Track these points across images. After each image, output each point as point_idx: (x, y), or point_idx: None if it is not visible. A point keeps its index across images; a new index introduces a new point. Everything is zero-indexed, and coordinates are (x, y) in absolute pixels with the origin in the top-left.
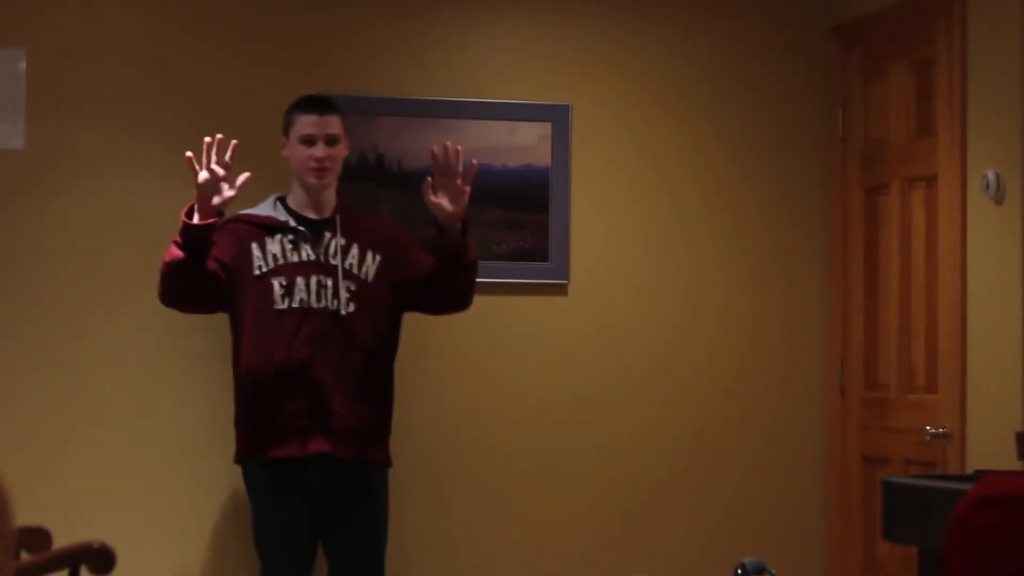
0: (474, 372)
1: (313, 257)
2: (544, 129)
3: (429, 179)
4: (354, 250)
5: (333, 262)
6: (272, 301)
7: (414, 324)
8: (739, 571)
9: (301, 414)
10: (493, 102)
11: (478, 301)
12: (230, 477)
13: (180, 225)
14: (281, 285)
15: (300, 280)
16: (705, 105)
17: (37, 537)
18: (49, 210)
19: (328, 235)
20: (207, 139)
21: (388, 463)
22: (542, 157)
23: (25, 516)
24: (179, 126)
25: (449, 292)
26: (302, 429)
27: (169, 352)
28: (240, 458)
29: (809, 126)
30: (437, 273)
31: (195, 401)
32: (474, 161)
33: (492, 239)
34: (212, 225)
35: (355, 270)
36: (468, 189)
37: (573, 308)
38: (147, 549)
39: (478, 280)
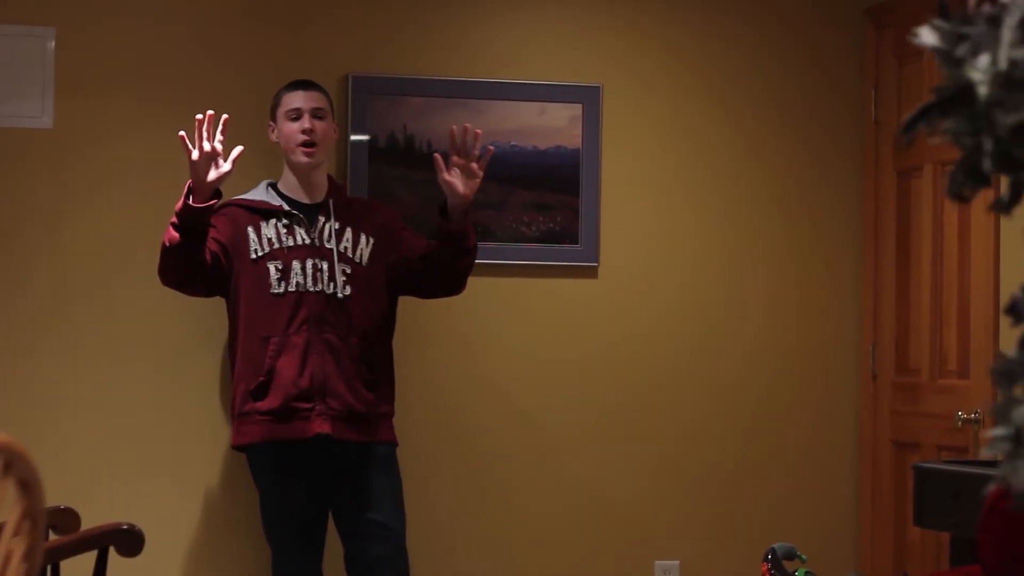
0: (504, 355)
1: (308, 241)
2: (575, 110)
3: (437, 155)
4: (348, 233)
5: (328, 245)
6: (268, 285)
7: (443, 307)
8: (769, 556)
9: (300, 397)
10: (523, 83)
11: (508, 283)
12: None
13: (178, 206)
14: (277, 269)
15: (296, 264)
16: (737, 87)
17: (66, 518)
18: (77, 189)
19: (322, 219)
20: (198, 116)
21: (393, 442)
22: (572, 138)
23: (50, 498)
24: (208, 106)
25: (446, 275)
26: (302, 412)
27: (196, 334)
28: (238, 443)
29: (842, 108)
30: (436, 255)
31: (219, 384)
32: (491, 147)
33: (522, 221)
34: (210, 207)
35: (350, 253)
36: (481, 173)
37: (603, 291)
38: (161, 533)
39: (509, 262)
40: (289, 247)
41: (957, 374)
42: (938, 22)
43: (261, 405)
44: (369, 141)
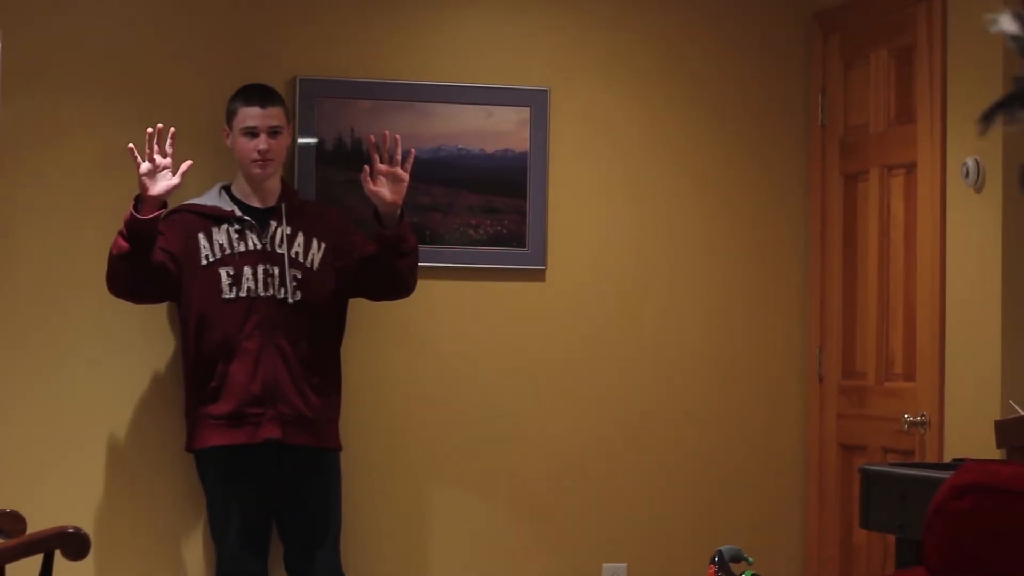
0: (450, 358)
1: (259, 246)
2: (522, 114)
3: (367, 167)
4: (300, 238)
5: (279, 251)
6: (220, 291)
7: (391, 309)
8: (716, 559)
9: (251, 402)
10: (471, 86)
11: (456, 287)
12: (191, 463)
13: (126, 217)
14: (228, 275)
15: (247, 269)
16: (684, 91)
17: (10, 522)
18: (23, 190)
19: (274, 224)
20: (148, 129)
21: (338, 447)
22: (520, 142)
23: None
24: (154, 109)
25: (390, 278)
26: (252, 416)
27: (146, 335)
28: (190, 446)
29: (789, 112)
30: (377, 259)
31: (159, 386)
32: (412, 149)
33: (469, 224)
34: (157, 218)
35: (301, 258)
36: (407, 178)
37: (550, 294)
38: (109, 535)
39: (456, 265)
40: (240, 253)
41: (903, 377)
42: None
43: (213, 409)
44: (316, 144)
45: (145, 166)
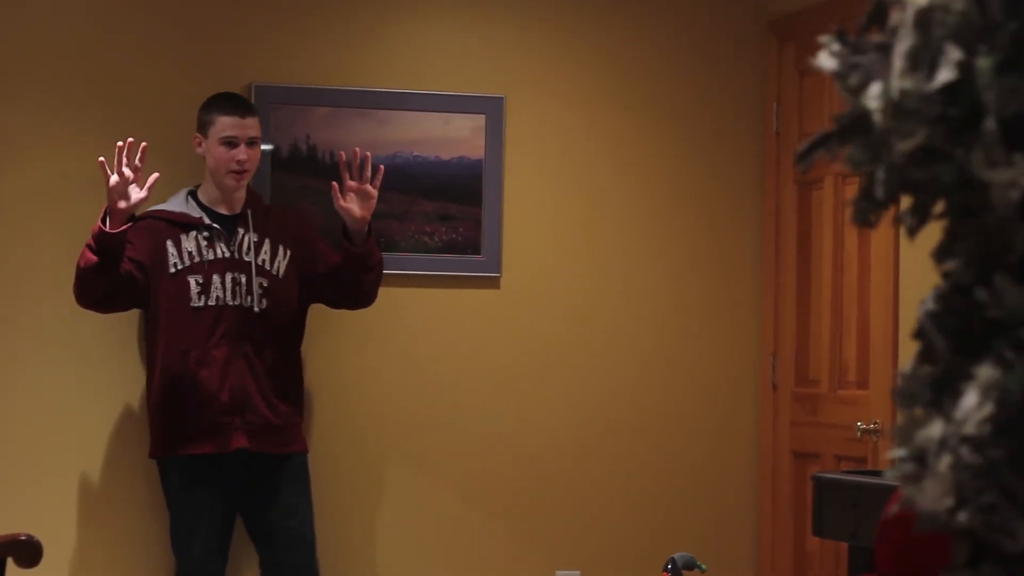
0: (404, 365)
1: (227, 254)
2: (478, 121)
3: (335, 184)
4: (266, 246)
5: (247, 259)
6: (188, 299)
7: (343, 316)
8: (669, 566)
9: (219, 411)
10: (427, 93)
11: (411, 294)
12: (151, 471)
13: (94, 230)
14: (197, 283)
15: (216, 278)
16: (640, 99)
17: None
18: None
19: (241, 231)
20: (119, 143)
21: (305, 450)
22: (476, 149)
23: None
24: (107, 115)
25: (354, 291)
26: (220, 426)
27: (93, 342)
28: (155, 453)
29: (743, 120)
30: (343, 273)
31: (118, 394)
32: (382, 166)
33: (424, 231)
34: (125, 231)
35: (267, 266)
36: (376, 194)
37: (505, 301)
38: (68, 544)
39: (411, 272)
40: (209, 261)
41: (857, 385)
42: (835, 47)
43: (180, 418)
44: (272, 151)
45: (114, 179)
